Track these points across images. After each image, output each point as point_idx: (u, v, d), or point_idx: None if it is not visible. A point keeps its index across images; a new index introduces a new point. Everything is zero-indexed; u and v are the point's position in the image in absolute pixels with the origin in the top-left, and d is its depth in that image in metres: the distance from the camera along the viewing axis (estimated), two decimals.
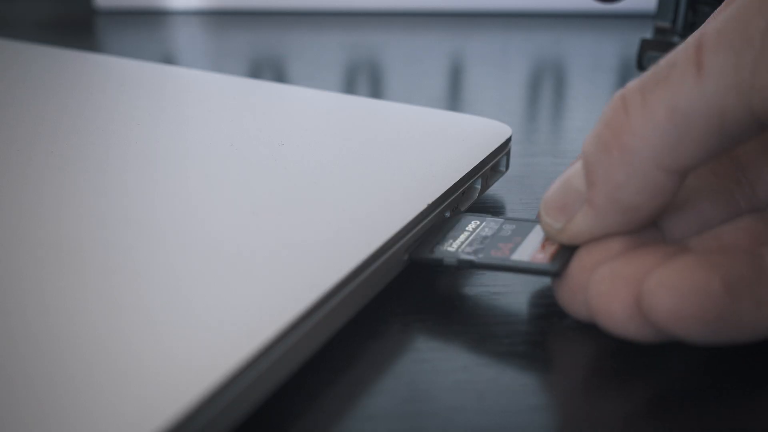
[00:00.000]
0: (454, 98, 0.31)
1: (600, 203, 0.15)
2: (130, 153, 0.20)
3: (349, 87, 0.32)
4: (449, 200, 0.18)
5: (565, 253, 0.16)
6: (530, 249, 0.16)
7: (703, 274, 0.14)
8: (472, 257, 0.16)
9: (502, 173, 0.21)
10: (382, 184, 0.18)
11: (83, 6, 0.44)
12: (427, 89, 0.32)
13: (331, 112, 0.23)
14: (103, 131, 0.21)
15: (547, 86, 0.33)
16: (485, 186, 0.20)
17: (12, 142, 0.20)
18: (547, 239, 0.16)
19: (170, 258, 0.15)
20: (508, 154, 0.21)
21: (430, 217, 0.17)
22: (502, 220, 0.18)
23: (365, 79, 0.33)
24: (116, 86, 0.25)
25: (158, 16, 0.43)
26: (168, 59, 0.36)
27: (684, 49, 0.14)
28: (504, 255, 0.16)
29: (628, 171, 0.14)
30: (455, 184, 0.18)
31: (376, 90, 0.32)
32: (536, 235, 0.17)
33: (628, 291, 0.14)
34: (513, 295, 0.17)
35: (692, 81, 0.13)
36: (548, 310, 0.17)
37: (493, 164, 0.21)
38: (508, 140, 0.21)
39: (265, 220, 0.16)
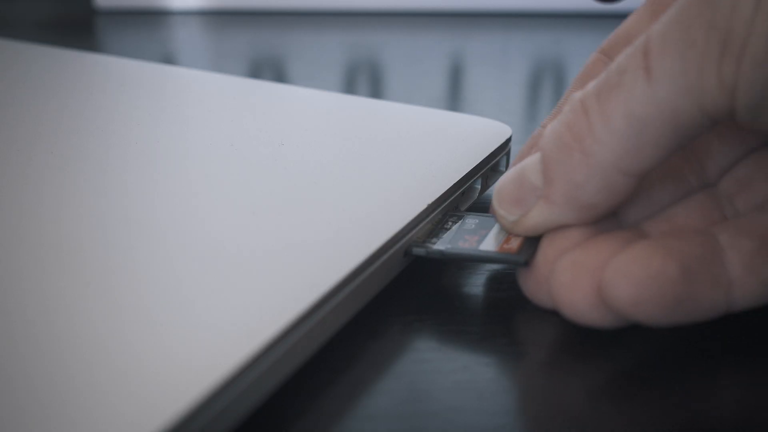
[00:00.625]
0: (454, 98, 0.31)
1: (557, 200, 0.15)
2: (130, 153, 0.20)
3: (349, 87, 0.32)
4: (449, 200, 0.18)
5: (532, 243, 0.16)
6: (497, 240, 0.17)
7: (659, 260, 0.14)
8: (440, 248, 0.17)
9: (502, 173, 0.21)
10: (382, 184, 0.18)
11: (83, 6, 0.44)
12: (427, 89, 0.32)
13: (331, 112, 0.23)
14: (103, 131, 0.21)
15: (547, 86, 0.33)
16: (485, 186, 0.20)
17: (12, 142, 0.20)
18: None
19: (170, 258, 0.15)
20: (508, 154, 0.21)
21: (430, 217, 0.17)
22: (463, 214, 0.18)
23: (365, 79, 0.33)
24: (116, 86, 0.25)
25: (158, 16, 0.43)
26: (168, 59, 0.36)
27: (632, 54, 0.14)
28: (472, 246, 0.17)
29: (588, 173, 0.15)
30: (455, 184, 0.18)
31: (376, 90, 0.32)
32: (501, 228, 0.17)
33: (588, 281, 0.15)
34: (513, 295, 0.17)
35: (643, 87, 0.14)
36: (548, 310, 0.17)
37: (493, 164, 0.21)
38: (508, 140, 0.21)
39: (265, 220, 0.16)
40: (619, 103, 0.14)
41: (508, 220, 0.16)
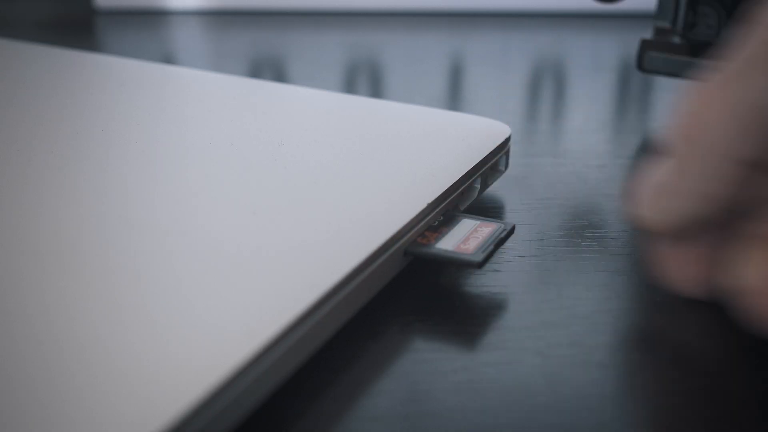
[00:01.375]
0: (454, 98, 0.31)
1: (688, 194, 0.15)
2: (130, 153, 0.20)
3: (349, 87, 0.32)
4: (449, 200, 0.18)
5: (489, 245, 0.16)
6: (455, 239, 0.17)
7: None
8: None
9: (502, 172, 0.21)
10: (382, 184, 0.18)
11: (83, 6, 0.45)
12: (427, 89, 0.32)
13: (331, 111, 0.23)
14: (103, 131, 0.21)
15: (547, 86, 0.33)
16: (484, 185, 0.20)
17: (12, 142, 0.20)
18: (473, 232, 0.17)
19: (170, 258, 0.15)
20: (507, 154, 0.21)
21: (429, 217, 0.17)
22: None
23: (365, 79, 0.33)
24: (116, 86, 0.25)
25: (158, 16, 0.43)
26: (168, 59, 0.36)
27: (757, 43, 0.14)
28: (429, 243, 0.17)
29: (714, 163, 0.14)
30: (455, 183, 0.18)
31: (376, 90, 0.32)
32: (462, 228, 0.17)
33: None
34: (513, 295, 0.17)
35: (765, 77, 0.13)
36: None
37: (493, 163, 0.21)
38: (508, 139, 0.21)
39: (265, 220, 0.16)
40: (742, 92, 0.14)
41: (645, 219, 0.16)
